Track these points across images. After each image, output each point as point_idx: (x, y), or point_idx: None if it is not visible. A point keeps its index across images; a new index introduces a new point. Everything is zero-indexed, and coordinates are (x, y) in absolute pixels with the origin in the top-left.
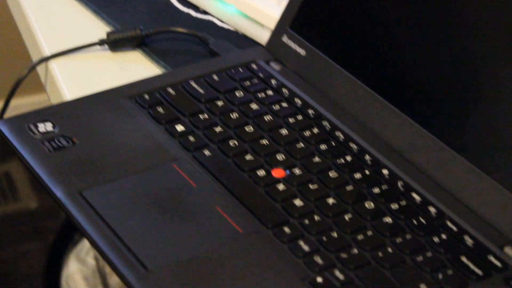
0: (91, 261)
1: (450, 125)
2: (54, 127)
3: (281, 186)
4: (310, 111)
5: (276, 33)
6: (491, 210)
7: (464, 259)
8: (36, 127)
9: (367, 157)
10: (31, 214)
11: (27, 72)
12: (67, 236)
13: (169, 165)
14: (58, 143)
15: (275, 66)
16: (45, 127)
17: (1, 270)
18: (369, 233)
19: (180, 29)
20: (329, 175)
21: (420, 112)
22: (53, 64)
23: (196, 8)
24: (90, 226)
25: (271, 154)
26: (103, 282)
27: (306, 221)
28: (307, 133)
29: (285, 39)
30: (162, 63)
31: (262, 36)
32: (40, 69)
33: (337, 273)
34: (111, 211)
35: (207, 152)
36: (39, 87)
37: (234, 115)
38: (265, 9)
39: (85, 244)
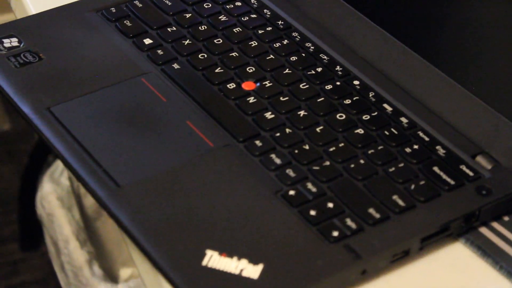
0: (65, 181)
1: (421, 34)
2: (20, 42)
3: (251, 99)
4: (280, 22)
5: None
6: (463, 120)
7: (436, 169)
8: (1, 42)
9: (338, 68)
10: (4, 136)
11: None
12: (41, 157)
13: (138, 79)
14: (25, 59)
15: None
16: (11, 42)
17: None
18: (341, 144)
19: None
20: (299, 87)
21: (391, 20)
22: None
23: None
24: (59, 143)
25: (241, 67)
26: (78, 203)
27: (278, 134)
28: (277, 45)
29: None
30: None
31: None
32: None
33: (310, 185)
34: (80, 126)
35: (176, 66)
36: (6, 7)
37: (202, 28)
38: None
39: (59, 164)
